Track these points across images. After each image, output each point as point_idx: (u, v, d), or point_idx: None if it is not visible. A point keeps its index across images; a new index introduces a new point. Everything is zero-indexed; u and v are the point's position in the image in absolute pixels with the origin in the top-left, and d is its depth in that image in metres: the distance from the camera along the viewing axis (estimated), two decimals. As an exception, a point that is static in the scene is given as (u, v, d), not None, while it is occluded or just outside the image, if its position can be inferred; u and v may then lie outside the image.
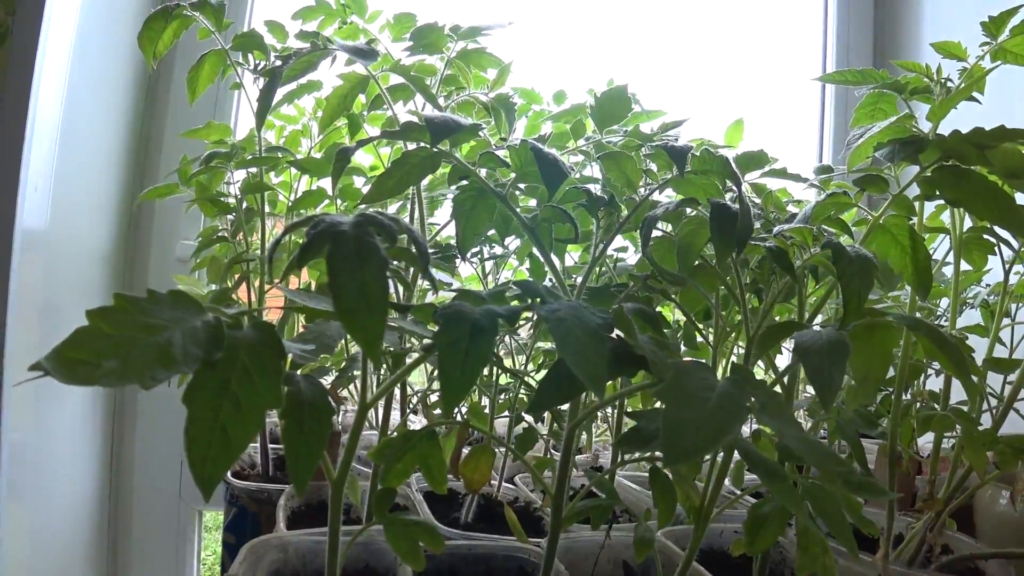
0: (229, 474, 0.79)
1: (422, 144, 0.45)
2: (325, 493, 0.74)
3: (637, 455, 0.59)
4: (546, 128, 0.98)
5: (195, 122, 1.00)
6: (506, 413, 0.70)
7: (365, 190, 0.94)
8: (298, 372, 0.39)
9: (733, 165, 0.46)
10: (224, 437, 0.33)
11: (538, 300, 0.39)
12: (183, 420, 0.93)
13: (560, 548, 0.62)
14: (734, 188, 0.50)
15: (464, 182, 0.49)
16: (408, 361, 0.44)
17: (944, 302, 0.81)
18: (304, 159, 0.88)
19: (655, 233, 0.61)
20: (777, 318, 0.66)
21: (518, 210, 0.48)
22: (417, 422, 0.89)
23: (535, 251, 0.54)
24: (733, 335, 0.66)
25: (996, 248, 0.66)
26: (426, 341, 0.40)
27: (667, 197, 0.57)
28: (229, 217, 0.93)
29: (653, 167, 0.52)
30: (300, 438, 0.37)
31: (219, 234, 0.88)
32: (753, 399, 0.37)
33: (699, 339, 0.70)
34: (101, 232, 1.03)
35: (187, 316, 0.34)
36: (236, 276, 0.82)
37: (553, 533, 0.49)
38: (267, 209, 0.88)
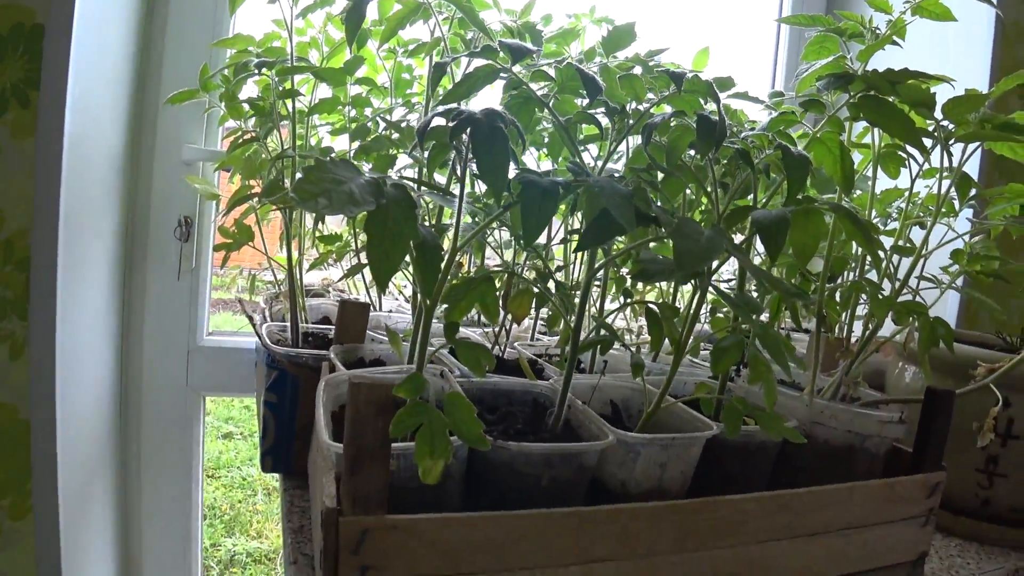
0: (268, 341, 0.99)
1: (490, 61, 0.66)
2: (361, 352, 0.96)
3: (633, 300, 0.83)
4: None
5: (192, 32, 1.16)
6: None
7: (375, 102, 1.13)
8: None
9: (714, 87, 0.68)
10: (387, 257, 0.54)
11: (580, 179, 0.61)
12: (188, 314, 1.22)
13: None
14: (713, 104, 0.73)
15: (515, 92, 0.70)
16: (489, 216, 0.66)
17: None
18: (324, 69, 1.05)
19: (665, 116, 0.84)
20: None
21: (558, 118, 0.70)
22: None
23: (566, 148, 0.75)
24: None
25: (906, 162, 0.91)
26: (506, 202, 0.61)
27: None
28: (249, 121, 1.11)
29: (657, 87, 0.74)
30: (425, 264, 0.58)
31: (245, 136, 1.06)
32: (728, 244, 0.61)
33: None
34: (114, 136, 1.18)
35: (355, 175, 0.55)
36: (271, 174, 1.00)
37: (572, 354, 0.72)
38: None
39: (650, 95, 0.74)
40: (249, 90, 1.10)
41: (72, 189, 1.03)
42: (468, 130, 0.53)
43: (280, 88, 0.97)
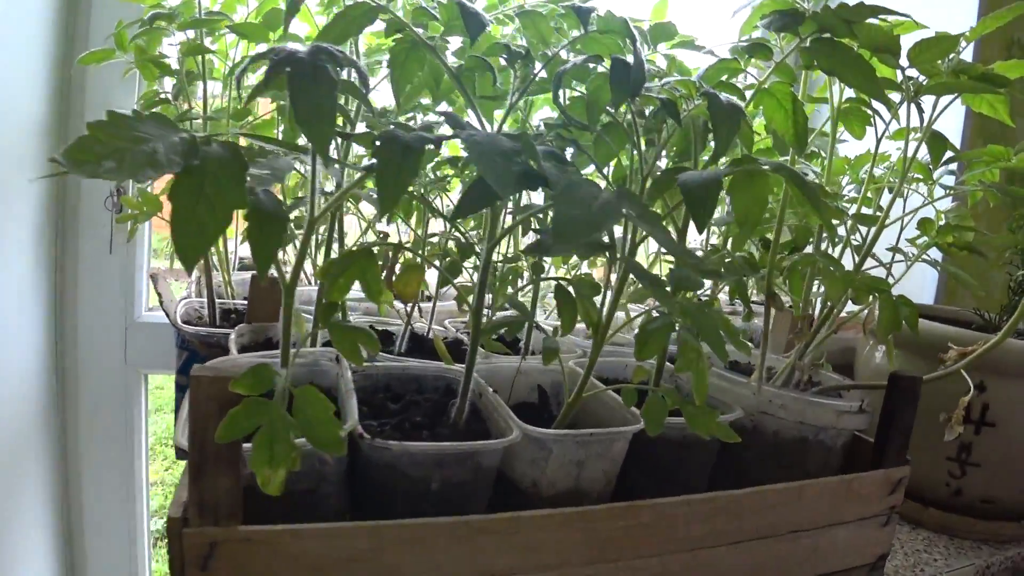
0: (180, 322, 0.88)
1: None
2: (271, 332, 0.85)
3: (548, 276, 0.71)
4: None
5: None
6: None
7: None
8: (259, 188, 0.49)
9: (630, 24, 0.55)
10: (201, 227, 0.42)
11: (460, 129, 0.49)
12: (124, 289, 1.07)
13: (482, 373, 0.75)
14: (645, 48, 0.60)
15: (399, 35, 0.57)
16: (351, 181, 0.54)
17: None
18: (242, 24, 0.93)
19: (573, 93, 0.71)
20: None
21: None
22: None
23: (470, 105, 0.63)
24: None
25: (872, 119, 0.78)
26: (366, 162, 0.49)
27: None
28: (168, 83, 0.99)
29: (566, 28, 0.62)
30: (260, 235, 0.46)
31: (160, 97, 0.94)
32: (630, 210, 0.48)
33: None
34: (31, 102, 1.06)
35: (167, 133, 0.43)
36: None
37: (474, 337, 0.61)
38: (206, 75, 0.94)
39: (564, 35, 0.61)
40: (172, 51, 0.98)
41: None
42: (288, 71, 0.41)
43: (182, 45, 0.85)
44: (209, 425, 0.50)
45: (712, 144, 0.69)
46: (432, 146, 0.48)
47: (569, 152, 0.70)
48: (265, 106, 1.07)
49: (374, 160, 0.46)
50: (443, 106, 0.75)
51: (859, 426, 0.75)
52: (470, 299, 0.63)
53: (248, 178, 0.46)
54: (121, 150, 0.41)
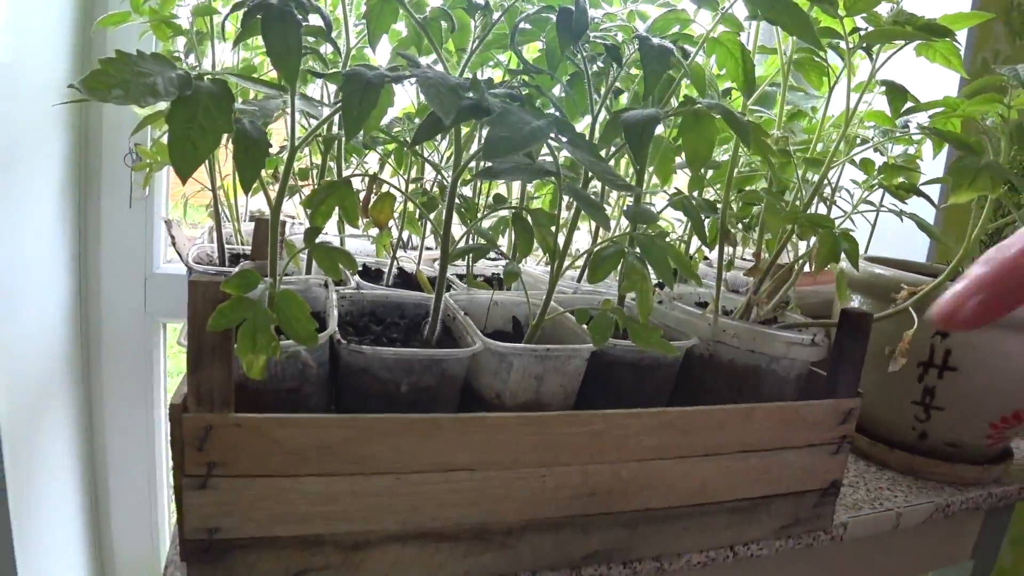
0: (192, 261, 1.00)
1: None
2: (272, 270, 0.96)
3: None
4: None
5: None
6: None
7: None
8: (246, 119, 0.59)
9: (577, -21, 0.65)
10: (193, 147, 0.53)
11: (416, 69, 0.59)
12: (144, 241, 1.23)
13: (462, 303, 0.85)
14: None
15: (373, -12, 0.67)
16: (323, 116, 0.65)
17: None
18: (249, -13, 1.04)
19: (539, 46, 0.80)
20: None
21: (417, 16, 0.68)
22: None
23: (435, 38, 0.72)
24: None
25: (827, 71, 0.86)
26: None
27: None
28: (181, 43, 1.10)
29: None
30: (245, 157, 0.57)
31: (173, 56, 1.05)
32: (560, 136, 0.58)
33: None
34: (56, 63, 1.19)
35: (166, 68, 0.54)
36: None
37: (443, 259, 0.71)
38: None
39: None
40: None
41: (2, 118, 1.05)
42: (260, 15, 0.51)
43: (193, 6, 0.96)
44: (205, 322, 0.61)
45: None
46: (392, 82, 0.58)
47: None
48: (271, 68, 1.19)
49: (340, 87, 0.57)
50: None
51: (809, 357, 0.84)
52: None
53: (238, 113, 0.58)
54: (127, 81, 0.52)
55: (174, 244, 1.00)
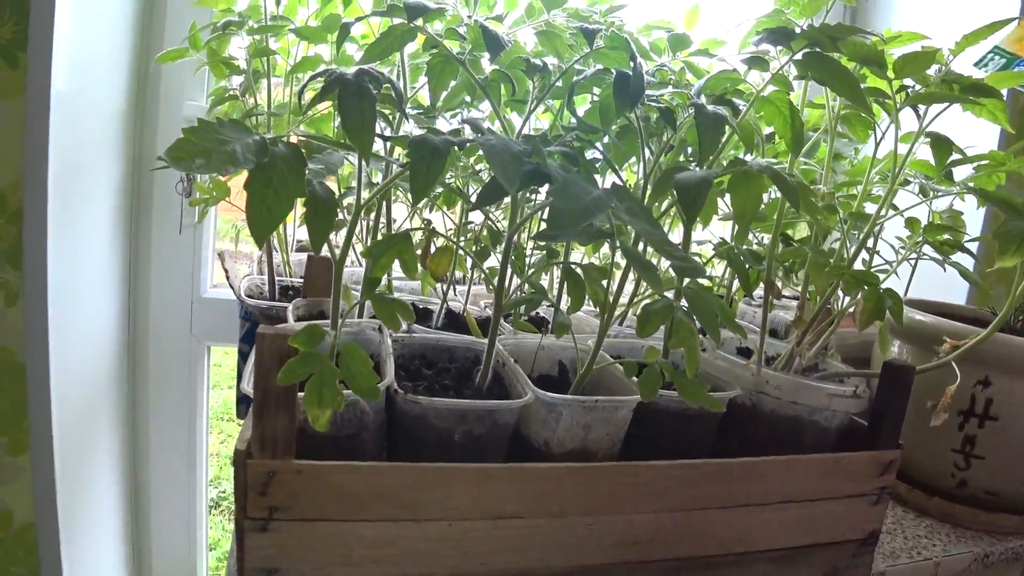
0: (244, 295, 1.03)
1: (404, 20, 0.66)
2: (324, 306, 0.99)
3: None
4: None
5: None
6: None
7: (357, 56, 1.15)
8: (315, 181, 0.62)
9: (631, 44, 0.67)
10: (269, 211, 0.56)
11: (479, 134, 0.61)
12: (192, 266, 1.27)
13: (510, 348, 0.87)
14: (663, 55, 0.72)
15: (435, 50, 0.70)
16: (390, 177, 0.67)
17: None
18: (303, 28, 1.07)
19: (594, 98, 0.82)
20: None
21: (477, 76, 0.70)
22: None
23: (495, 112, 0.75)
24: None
25: (875, 125, 0.87)
26: (402, 160, 0.62)
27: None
28: (236, 79, 1.14)
29: (579, 46, 0.73)
30: (316, 218, 0.60)
31: (229, 93, 1.09)
32: (620, 204, 0.60)
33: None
34: (114, 92, 1.23)
35: (243, 135, 0.56)
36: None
37: (496, 313, 0.73)
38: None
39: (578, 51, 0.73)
40: (239, 48, 1.13)
41: (64, 145, 1.08)
42: (337, 90, 0.54)
43: (257, 47, 1.00)
44: (271, 374, 0.63)
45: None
46: (458, 147, 0.61)
47: (591, 154, 0.82)
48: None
49: (408, 152, 0.59)
50: (484, 105, 0.88)
51: (851, 409, 0.85)
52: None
53: (307, 171, 0.60)
54: (208, 149, 0.54)
55: (227, 277, 1.03)
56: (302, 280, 1.15)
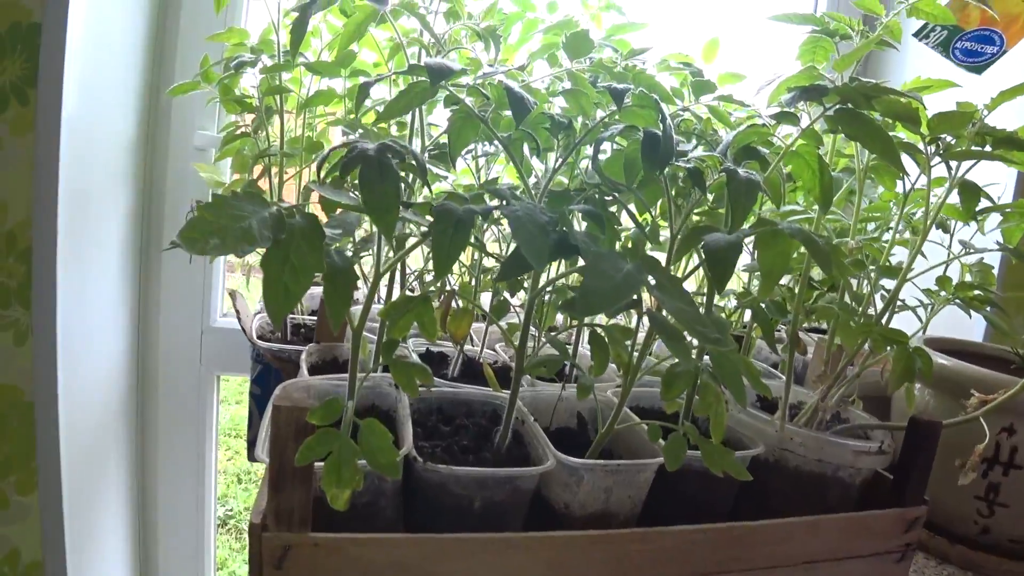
0: (255, 336, 1.00)
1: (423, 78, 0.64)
2: (337, 352, 0.97)
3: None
4: (535, 41, 1.14)
5: (209, 18, 1.16)
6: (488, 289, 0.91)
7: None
8: (332, 248, 0.59)
9: (662, 105, 0.64)
10: (286, 290, 0.53)
11: (504, 202, 0.59)
12: (202, 296, 1.24)
13: (527, 399, 0.85)
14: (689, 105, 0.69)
15: (455, 106, 0.67)
16: (409, 244, 0.64)
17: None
18: (317, 63, 1.04)
19: (615, 146, 0.80)
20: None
21: (499, 133, 0.67)
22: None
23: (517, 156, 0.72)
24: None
25: (901, 176, 0.84)
26: (423, 228, 0.60)
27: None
28: (247, 115, 1.11)
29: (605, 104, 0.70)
30: (335, 292, 0.57)
31: (240, 129, 1.06)
32: (652, 279, 0.57)
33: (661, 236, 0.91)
34: (125, 122, 1.21)
35: (259, 209, 0.54)
36: (259, 167, 1.01)
37: (516, 376, 0.71)
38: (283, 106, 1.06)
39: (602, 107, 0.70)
40: (251, 80, 1.10)
41: (75, 180, 1.06)
42: (359, 167, 0.51)
43: (269, 83, 0.97)
44: (287, 446, 0.61)
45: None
46: (482, 216, 0.58)
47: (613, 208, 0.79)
48: (336, 135, 1.20)
49: (431, 224, 0.57)
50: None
51: (877, 466, 0.82)
52: (516, 336, 0.73)
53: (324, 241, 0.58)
54: (224, 227, 0.51)
55: (239, 319, 1.01)
56: (314, 316, 1.12)
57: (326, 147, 1.07)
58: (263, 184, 1.03)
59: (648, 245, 0.91)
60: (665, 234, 0.88)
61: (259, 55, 1.04)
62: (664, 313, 0.67)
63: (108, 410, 1.25)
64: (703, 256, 0.66)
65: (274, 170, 1.01)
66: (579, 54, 0.74)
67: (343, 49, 0.87)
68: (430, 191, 0.61)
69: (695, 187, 0.67)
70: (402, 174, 0.66)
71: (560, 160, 0.69)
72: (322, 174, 0.58)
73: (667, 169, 0.69)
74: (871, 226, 0.92)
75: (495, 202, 0.61)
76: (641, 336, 0.81)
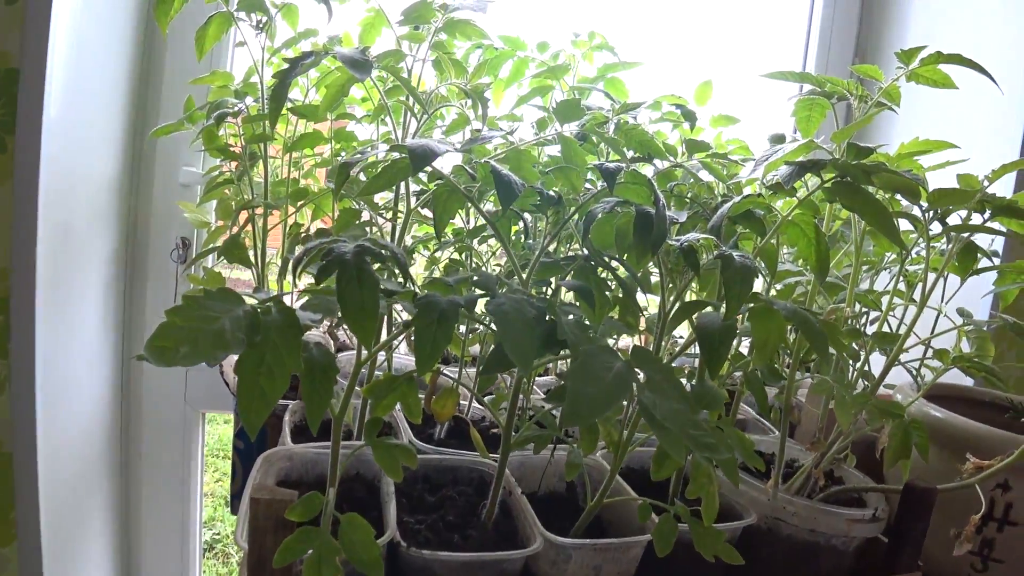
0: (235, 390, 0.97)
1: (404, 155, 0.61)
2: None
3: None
4: (528, 78, 1.11)
5: (194, 57, 1.13)
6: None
7: (355, 128, 1.09)
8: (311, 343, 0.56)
9: (655, 185, 0.62)
10: (262, 395, 0.50)
11: (488, 294, 0.56)
12: None
13: (515, 463, 0.82)
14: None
15: (440, 181, 0.64)
16: (396, 332, 0.62)
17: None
18: (301, 106, 1.02)
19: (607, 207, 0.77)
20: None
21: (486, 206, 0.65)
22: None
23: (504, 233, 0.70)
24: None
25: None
26: (406, 317, 0.57)
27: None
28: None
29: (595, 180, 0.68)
30: (314, 390, 0.54)
31: (222, 171, 1.03)
32: (642, 376, 0.55)
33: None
34: (108, 162, 1.17)
35: (232, 307, 0.51)
36: (243, 215, 0.98)
37: (503, 455, 0.68)
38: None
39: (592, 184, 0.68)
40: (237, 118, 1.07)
41: (55, 224, 1.03)
42: (336, 272, 0.49)
43: (253, 131, 0.94)
44: (266, 539, 0.59)
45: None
46: (467, 308, 0.55)
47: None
48: (321, 176, 1.17)
49: (414, 317, 0.54)
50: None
51: (871, 534, 0.80)
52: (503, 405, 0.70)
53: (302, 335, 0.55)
54: (194, 333, 0.48)
55: (221, 370, 0.98)
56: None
57: (310, 193, 1.04)
58: (248, 228, 1.00)
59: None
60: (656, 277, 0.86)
61: (243, 98, 1.01)
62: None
63: (90, 456, 1.22)
64: (696, 335, 0.64)
65: (259, 219, 0.97)
66: (570, 119, 0.72)
67: (326, 110, 0.83)
68: (413, 285, 0.58)
69: (688, 267, 0.64)
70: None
71: (549, 237, 0.66)
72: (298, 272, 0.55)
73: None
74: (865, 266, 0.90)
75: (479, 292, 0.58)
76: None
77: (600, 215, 0.65)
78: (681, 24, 1.71)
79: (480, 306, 0.56)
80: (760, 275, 0.85)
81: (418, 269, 1.21)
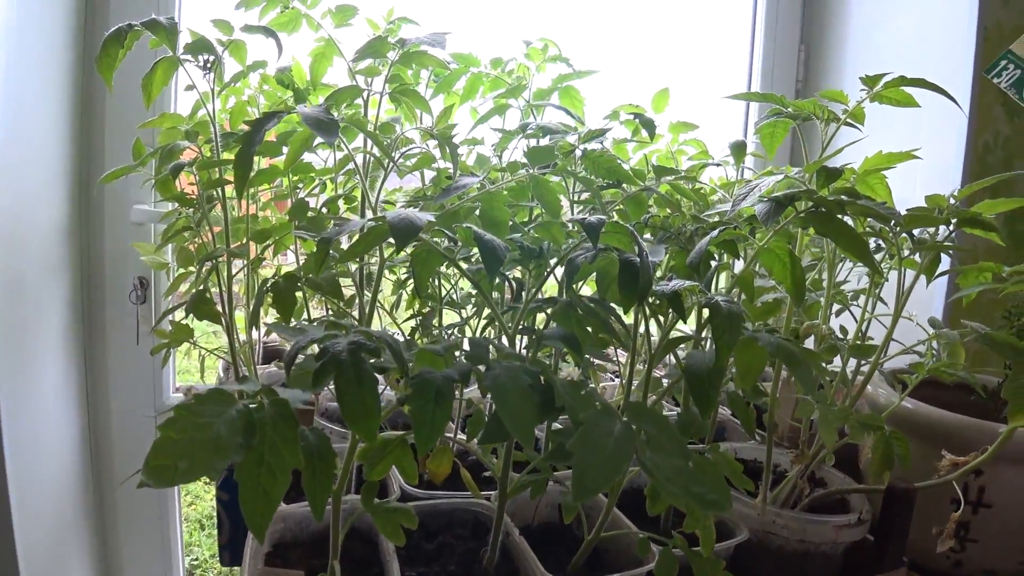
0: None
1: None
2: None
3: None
4: (481, 97, 1.10)
5: (137, 96, 1.09)
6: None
7: (311, 158, 1.06)
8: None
9: (638, 236, 0.62)
10: (265, 495, 0.49)
11: (483, 366, 0.56)
12: (152, 375, 1.15)
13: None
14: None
15: (418, 243, 0.64)
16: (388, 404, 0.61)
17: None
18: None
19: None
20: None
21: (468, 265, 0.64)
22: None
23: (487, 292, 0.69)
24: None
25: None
26: (399, 395, 0.56)
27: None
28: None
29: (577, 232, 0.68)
30: (313, 479, 0.54)
31: (180, 213, 1.00)
32: (643, 434, 0.55)
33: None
34: (55, 210, 1.13)
35: (224, 407, 0.49)
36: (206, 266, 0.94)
37: (500, 502, 0.68)
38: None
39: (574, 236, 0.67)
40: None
41: (5, 277, 0.99)
42: (334, 374, 0.48)
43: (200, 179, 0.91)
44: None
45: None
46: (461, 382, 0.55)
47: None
48: (282, 206, 1.14)
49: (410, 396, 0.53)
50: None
51: (857, 537, 0.83)
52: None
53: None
54: (191, 444, 0.47)
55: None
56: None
57: (270, 230, 1.01)
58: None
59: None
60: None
61: (194, 138, 0.97)
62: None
63: (63, 507, 1.19)
64: (685, 378, 0.65)
65: (223, 267, 0.95)
66: (542, 161, 0.71)
67: (289, 166, 0.81)
68: (406, 376, 0.57)
69: (673, 311, 0.65)
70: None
71: (533, 290, 0.66)
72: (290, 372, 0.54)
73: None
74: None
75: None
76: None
77: (581, 262, 0.65)
78: (626, 29, 1.70)
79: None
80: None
81: (386, 292, 1.20)
